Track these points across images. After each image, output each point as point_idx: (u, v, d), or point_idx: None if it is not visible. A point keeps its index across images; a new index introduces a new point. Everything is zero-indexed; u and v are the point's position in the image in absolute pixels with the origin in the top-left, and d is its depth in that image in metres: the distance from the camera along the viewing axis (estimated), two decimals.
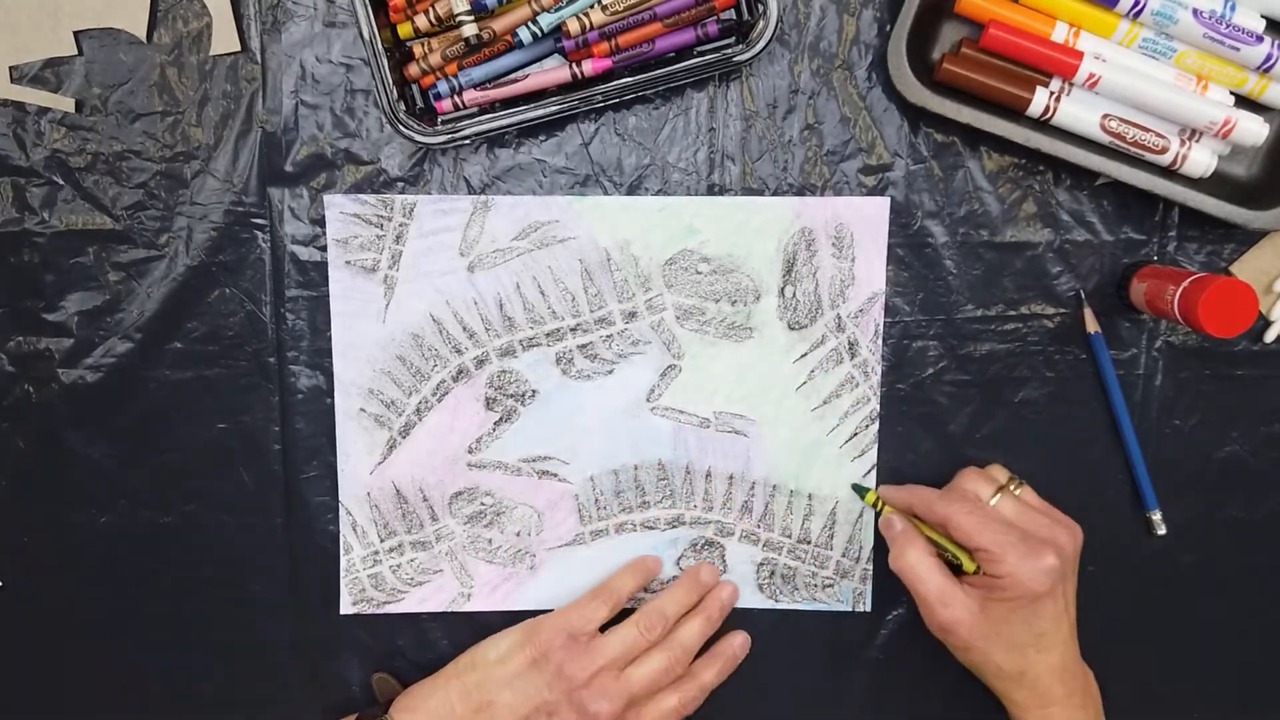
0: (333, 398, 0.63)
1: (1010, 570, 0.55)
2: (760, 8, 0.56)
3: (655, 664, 0.61)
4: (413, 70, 0.59)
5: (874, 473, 0.64)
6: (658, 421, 0.64)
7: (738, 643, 0.65)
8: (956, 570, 0.58)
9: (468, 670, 0.62)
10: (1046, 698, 0.57)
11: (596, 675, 0.60)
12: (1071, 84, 0.60)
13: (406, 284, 0.63)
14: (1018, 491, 0.60)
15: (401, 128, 0.57)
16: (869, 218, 0.62)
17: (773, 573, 0.66)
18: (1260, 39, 0.58)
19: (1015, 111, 0.59)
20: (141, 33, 0.60)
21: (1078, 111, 0.59)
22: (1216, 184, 0.61)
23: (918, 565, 0.58)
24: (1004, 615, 0.56)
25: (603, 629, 0.62)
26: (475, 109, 0.59)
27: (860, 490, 0.64)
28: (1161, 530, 0.65)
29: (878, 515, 0.63)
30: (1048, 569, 0.55)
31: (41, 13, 0.59)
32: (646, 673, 0.61)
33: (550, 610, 0.63)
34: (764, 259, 0.63)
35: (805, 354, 0.64)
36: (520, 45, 0.57)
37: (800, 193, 0.62)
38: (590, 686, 0.60)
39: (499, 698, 0.60)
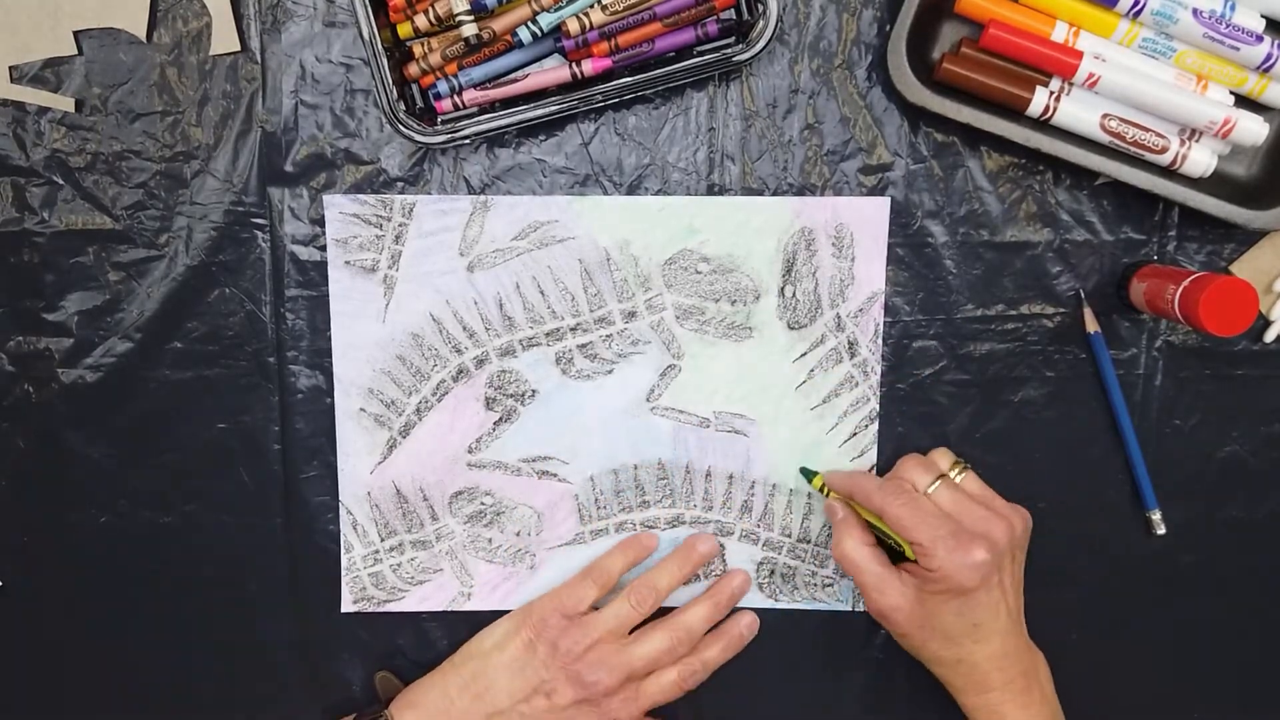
0: (333, 398, 0.63)
1: (939, 565, 0.55)
2: (760, 7, 0.56)
3: (657, 643, 0.61)
4: (412, 70, 0.59)
5: (873, 472, 0.64)
6: (658, 421, 0.64)
7: (745, 622, 0.65)
8: (901, 556, 0.58)
9: (465, 661, 0.62)
10: (984, 684, 0.58)
11: (592, 648, 0.60)
12: (1071, 84, 0.60)
13: (406, 284, 0.63)
14: (959, 478, 0.60)
15: (401, 128, 0.57)
16: (869, 217, 0.62)
17: (772, 572, 0.66)
18: (1260, 39, 0.58)
19: (1015, 111, 0.59)
20: (141, 33, 0.60)
21: (1077, 111, 0.59)
22: (1216, 184, 0.60)
23: (853, 553, 0.59)
24: (937, 607, 0.56)
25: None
26: (475, 109, 0.59)
27: (807, 474, 0.64)
28: (1161, 530, 0.65)
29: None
30: (976, 564, 0.55)
31: (41, 13, 0.59)
32: (647, 650, 0.61)
33: None
34: (764, 259, 0.63)
35: (805, 353, 0.64)
36: (520, 45, 0.57)
37: (800, 192, 0.62)
38: (585, 659, 0.60)
39: (497, 683, 0.60)
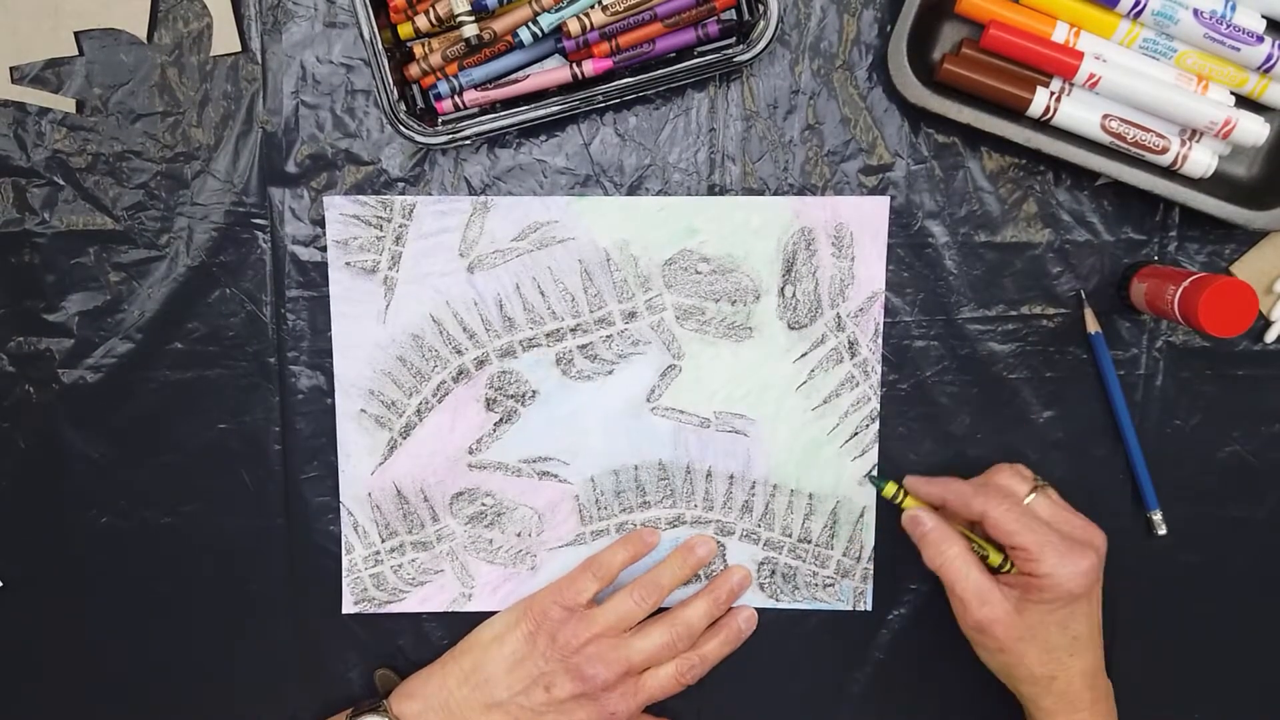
0: (333, 398, 0.63)
1: (1049, 570, 0.54)
2: (761, 8, 0.56)
3: (656, 638, 0.61)
4: (413, 70, 0.59)
5: (874, 472, 0.64)
6: (658, 421, 0.64)
7: (743, 617, 0.65)
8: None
9: (464, 653, 0.62)
10: (1076, 704, 0.57)
11: (591, 641, 0.60)
12: (1072, 84, 0.60)
13: (406, 285, 0.63)
14: (1047, 492, 0.60)
15: (402, 128, 0.57)
16: (868, 217, 0.62)
17: (773, 572, 0.66)
18: (1260, 39, 0.58)
19: (1016, 112, 0.59)
20: (142, 33, 0.60)
21: (1078, 112, 0.59)
22: (1217, 184, 0.61)
23: (957, 561, 0.56)
24: (1040, 617, 0.55)
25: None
26: (476, 109, 0.59)
27: (876, 481, 0.61)
28: (1162, 530, 0.65)
29: (897, 508, 0.60)
30: (1086, 570, 0.55)
31: (42, 13, 0.59)
32: (646, 645, 0.61)
33: None
34: (763, 259, 0.63)
35: (805, 353, 0.64)
36: (521, 45, 0.57)
37: (801, 193, 0.62)
38: (584, 652, 0.60)
39: (496, 675, 0.60)
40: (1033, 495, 0.58)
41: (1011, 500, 0.57)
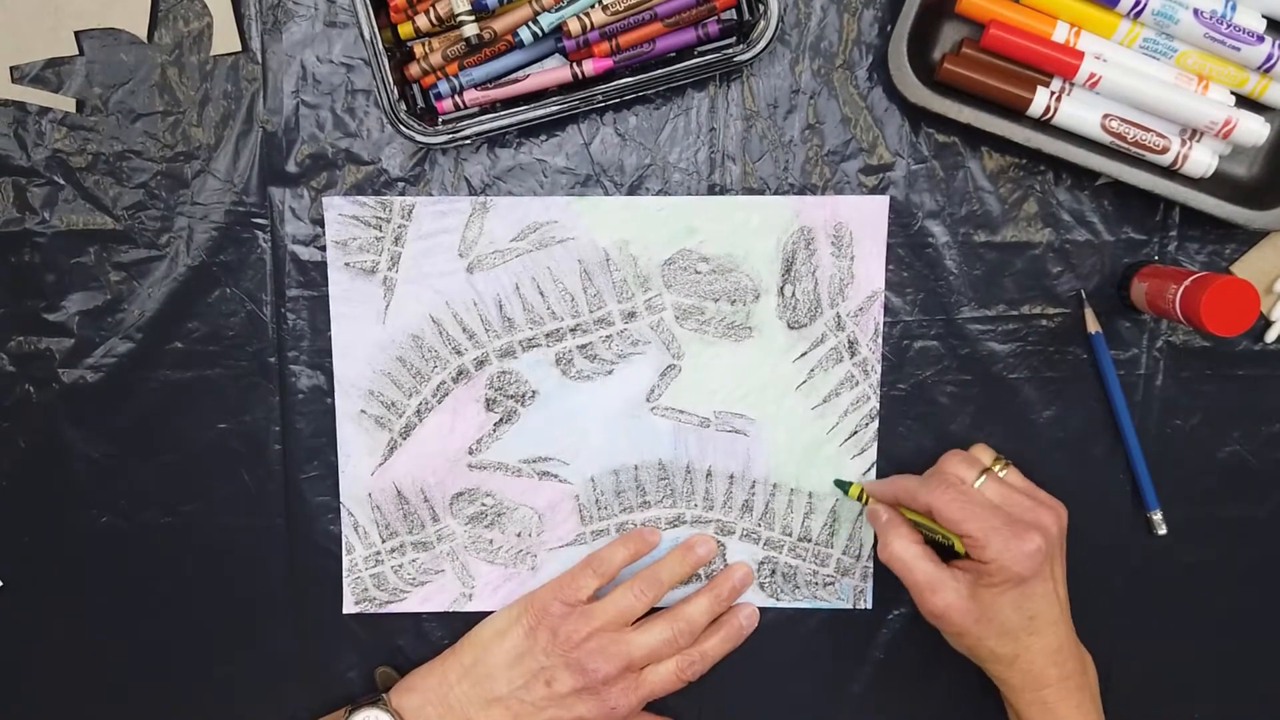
0: (333, 398, 0.63)
1: (995, 555, 0.55)
2: (761, 8, 0.56)
3: (658, 634, 0.61)
4: (413, 70, 0.59)
5: (874, 471, 0.64)
6: (658, 421, 0.64)
7: (744, 614, 0.64)
8: (950, 553, 0.58)
9: (465, 649, 0.62)
10: (1040, 680, 0.57)
11: (592, 636, 0.60)
12: (1072, 84, 0.60)
13: (406, 285, 0.63)
14: (1002, 473, 0.60)
15: (402, 128, 0.57)
16: (868, 216, 0.62)
17: (774, 571, 0.66)
18: (1261, 39, 0.58)
19: (1016, 111, 0.59)
20: (142, 33, 0.60)
21: (1078, 111, 0.59)
22: (1217, 184, 0.61)
23: (904, 554, 0.58)
24: (993, 600, 0.56)
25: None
26: (476, 109, 0.59)
27: (842, 485, 0.64)
28: (1162, 530, 0.65)
29: (863, 508, 0.63)
30: (1032, 552, 0.55)
31: (42, 13, 0.59)
32: (648, 640, 0.61)
33: None
34: (763, 258, 0.63)
35: (805, 353, 0.64)
36: (521, 45, 0.57)
37: (801, 193, 0.62)
38: (585, 647, 0.60)
39: (496, 670, 0.61)
40: (981, 479, 0.59)
41: (956, 488, 0.57)
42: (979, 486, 0.59)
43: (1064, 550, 0.59)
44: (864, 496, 0.63)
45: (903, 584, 0.58)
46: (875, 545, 0.63)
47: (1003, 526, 0.55)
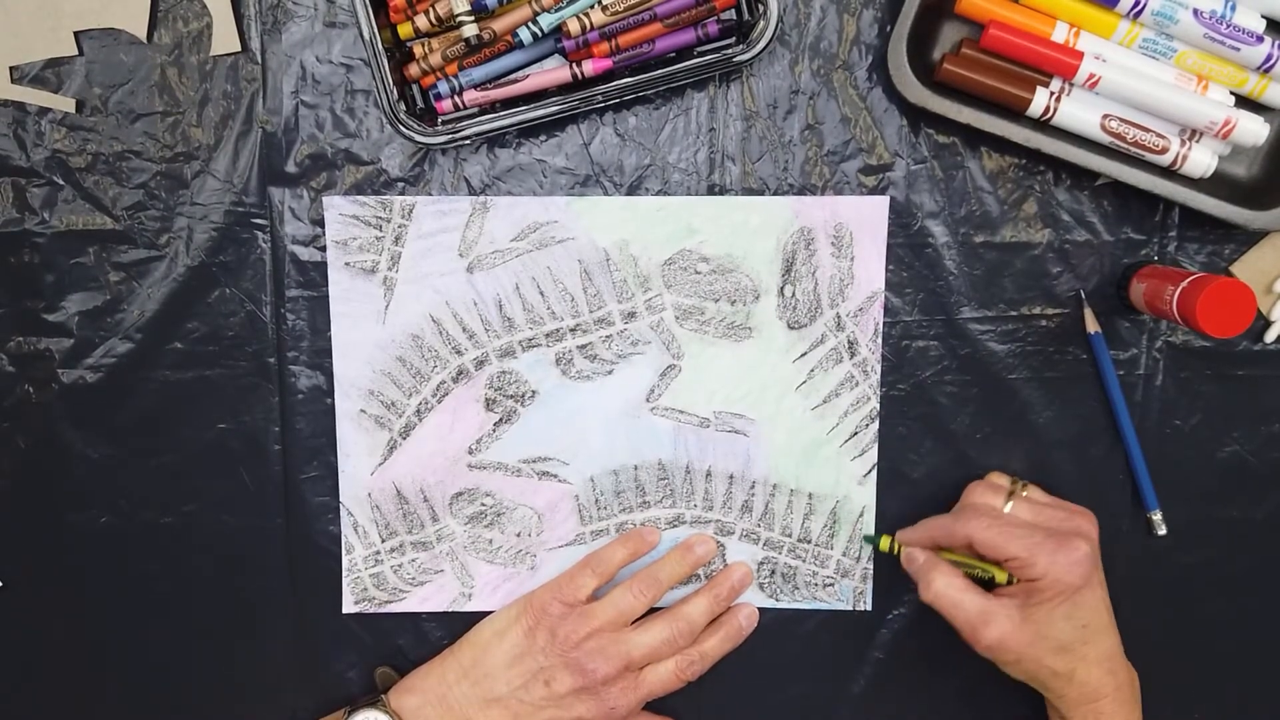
0: (333, 398, 0.63)
1: (1044, 570, 0.55)
2: (760, 8, 0.56)
3: (657, 634, 0.61)
4: (413, 70, 0.59)
5: (874, 472, 0.64)
6: (658, 421, 0.64)
7: (744, 615, 0.64)
8: (990, 586, 0.58)
9: (463, 649, 0.62)
10: (1097, 692, 0.57)
11: (591, 636, 0.60)
12: (1072, 84, 0.60)
13: (406, 285, 0.63)
14: (1025, 492, 0.60)
15: (402, 128, 0.57)
16: (867, 217, 0.62)
17: (773, 572, 0.66)
18: (1260, 39, 0.58)
19: (1015, 111, 0.59)
20: (142, 33, 0.60)
21: (1078, 112, 0.59)
22: (1217, 184, 0.61)
23: (948, 591, 0.57)
24: (1046, 617, 0.56)
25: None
26: (475, 109, 0.59)
27: (872, 540, 0.64)
28: (1162, 530, 0.65)
29: (897, 557, 0.62)
30: (1080, 559, 0.55)
31: (42, 13, 0.59)
32: (647, 640, 0.61)
33: None
34: (763, 258, 0.63)
35: (805, 353, 0.64)
36: (520, 45, 0.57)
37: (800, 193, 0.62)
38: (584, 647, 0.60)
39: (495, 670, 0.61)
40: (1010, 503, 0.59)
41: (990, 516, 0.58)
42: (1010, 510, 0.59)
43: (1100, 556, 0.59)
44: (895, 545, 0.62)
45: (951, 624, 0.57)
46: (887, 554, 0.63)
47: (1045, 540, 0.55)
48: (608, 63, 0.58)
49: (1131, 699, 0.58)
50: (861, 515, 0.65)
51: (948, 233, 0.63)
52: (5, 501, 0.65)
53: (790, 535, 0.65)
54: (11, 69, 0.60)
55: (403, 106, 0.57)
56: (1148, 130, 0.59)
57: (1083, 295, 0.63)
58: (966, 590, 0.57)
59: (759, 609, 0.65)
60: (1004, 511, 0.59)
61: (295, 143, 0.61)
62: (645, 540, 0.64)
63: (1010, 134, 0.59)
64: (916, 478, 0.65)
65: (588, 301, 0.63)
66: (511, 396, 0.64)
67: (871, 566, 0.65)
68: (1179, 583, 0.66)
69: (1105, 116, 0.59)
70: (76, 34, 0.60)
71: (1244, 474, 0.65)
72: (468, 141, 0.58)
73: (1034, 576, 0.55)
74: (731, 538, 0.65)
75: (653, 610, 0.63)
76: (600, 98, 0.57)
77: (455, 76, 0.58)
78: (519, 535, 0.65)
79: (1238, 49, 0.58)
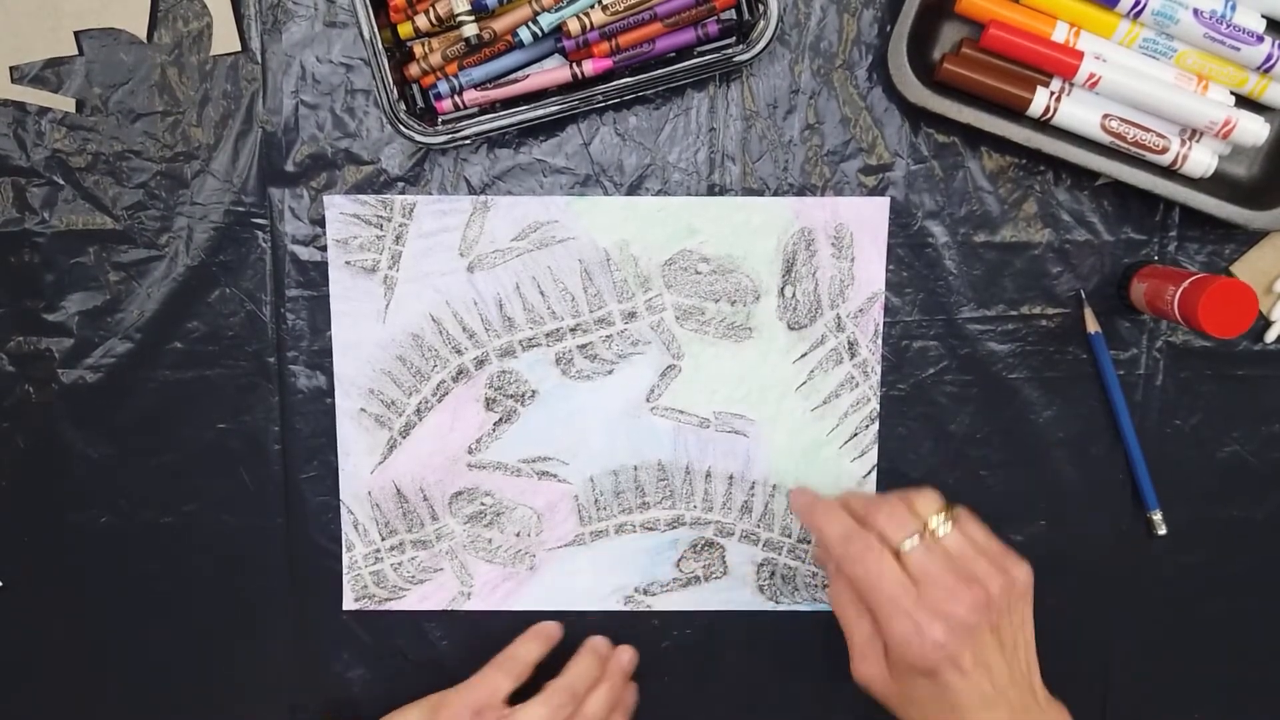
0: (333, 398, 0.63)
1: (894, 644, 0.50)
2: (760, 8, 0.56)
3: None
4: (413, 70, 0.59)
5: (874, 473, 0.64)
6: (657, 422, 0.64)
7: (625, 659, 0.63)
8: None
9: None
10: None
11: None
12: (1072, 84, 0.60)
13: (406, 284, 0.63)
14: (943, 529, 0.52)
15: (402, 128, 0.57)
16: (868, 218, 0.62)
17: (773, 573, 0.66)
18: (1260, 39, 0.58)
19: (1015, 111, 0.59)
20: (142, 33, 0.60)
21: (1078, 111, 0.59)
22: (1217, 184, 0.61)
23: (849, 609, 0.53)
24: (909, 683, 0.51)
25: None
26: (475, 109, 0.59)
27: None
28: (1162, 530, 0.65)
29: None
30: (933, 643, 0.49)
31: (42, 13, 0.59)
32: None
33: (546, 615, 0.64)
34: (763, 259, 0.63)
35: (805, 354, 0.64)
36: (520, 45, 0.57)
37: (801, 193, 0.62)
38: None
39: None
40: (910, 541, 0.51)
41: (873, 551, 0.51)
42: (907, 550, 0.51)
43: (1014, 619, 0.52)
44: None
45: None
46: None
47: (911, 609, 0.49)
48: (608, 62, 0.58)
49: None
50: None
51: (948, 233, 0.63)
52: (5, 501, 0.65)
53: (790, 536, 0.65)
54: (11, 69, 0.60)
55: (403, 106, 0.57)
56: (1148, 130, 0.59)
57: (1083, 295, 0.63)
58: (860, 617, 0.52)
59: (758, 611, 0.65)
60: (895, 550, 0.51)
61: (295, 142, 0.61)
62: (549, 636, 0.63)
63: (1010, 134, 0.59)
64: (916, 478, 0.65)
65: (588, 301, 0.63)
66: (511, 396, 0.64)
67: None
68: (1179, 583, 0.66)
69: (1105, 116, 0.59)
70: (76, 34, 0.60)
71: (1244, 474, 0.65)
72: (468, 141, 0.58)
73: (887, 640, 0.50)
74: (731, 539, 0.65)
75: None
76: (600, 98, 0.57)
77: (455, 76, 0.58)
78: (518, 535, 0.65)
79: (1238, 49, 0.58)
